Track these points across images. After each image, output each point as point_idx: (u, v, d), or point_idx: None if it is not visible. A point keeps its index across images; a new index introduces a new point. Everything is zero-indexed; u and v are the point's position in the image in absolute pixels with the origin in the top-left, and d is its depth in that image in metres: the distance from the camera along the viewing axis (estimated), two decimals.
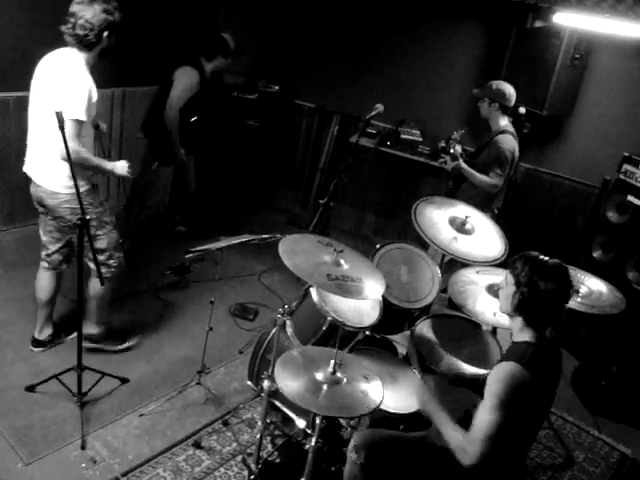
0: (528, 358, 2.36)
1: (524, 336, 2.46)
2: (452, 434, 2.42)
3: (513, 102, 4.36)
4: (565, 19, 4.14)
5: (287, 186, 6.81)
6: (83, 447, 3.23)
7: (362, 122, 4.94)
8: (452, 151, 4.40)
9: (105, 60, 3.47)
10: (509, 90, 4.34)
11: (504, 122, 4.40)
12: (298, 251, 2.81)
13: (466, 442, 2.34)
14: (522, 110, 4.63)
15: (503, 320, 3.00)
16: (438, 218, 3.59)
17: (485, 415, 2.31)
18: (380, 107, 4.80)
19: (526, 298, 2.42)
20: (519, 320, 2.49)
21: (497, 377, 2.34)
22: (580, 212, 5.03)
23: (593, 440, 3.98)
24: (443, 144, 4.85)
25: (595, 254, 4.52)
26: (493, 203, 4.50)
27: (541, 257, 2.47)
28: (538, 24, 4.68)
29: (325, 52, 6.18)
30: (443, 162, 4.51)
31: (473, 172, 4.36)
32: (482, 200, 4.33)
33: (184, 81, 4.81)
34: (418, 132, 5.67)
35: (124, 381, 3.73)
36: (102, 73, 4.86)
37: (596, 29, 4.03)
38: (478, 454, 2.29)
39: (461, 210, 3.68)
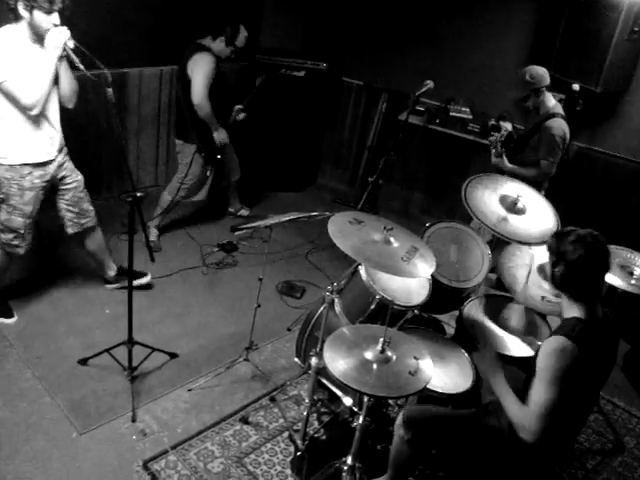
0: (577, 333, 2.34)
1: (573, 312, 2.44)
2: (513, 407, 2.41)
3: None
4: None
5: (334, 164, 6.77)
6: (134, 420, 3.31)
7: (412, 99, 4.86)
8: (495, 150, 4.29)
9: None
10: (541, 69, 4.19)
11: (551, 103, 4.27)
12: (357, 243, 2.76)
13: (525, 418, 2.34)
14: (576, 87, 4.51)
15: (551, 305, 2.97)
16: (489, 197, 3.50)
17: (541, 391, 2.31)
18: (430, 83, 4.72)
19: (560, 270, 2.41)
20: (565, 297, 2.47)
21: (547, 351, 2.34)
22: (635, 192, 4.90)
23: None
24: (493, 122, 4.76)
25: None
26: (542, 185, 4.38)
27: (570, 228, 2.44)
28: None
29: (373, 29, 6.09)
30: (492, 141, 4.40)
31: (521, 171, 4.24)
32: (530, 184, 4.22)
33: (201, 69, 4.58)
34: (468, 110, 5.56)
35: (173, 356, 3.80)
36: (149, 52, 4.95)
37: None
38: (538, 430, 2.29)
39: (512, 188, 3.60)
